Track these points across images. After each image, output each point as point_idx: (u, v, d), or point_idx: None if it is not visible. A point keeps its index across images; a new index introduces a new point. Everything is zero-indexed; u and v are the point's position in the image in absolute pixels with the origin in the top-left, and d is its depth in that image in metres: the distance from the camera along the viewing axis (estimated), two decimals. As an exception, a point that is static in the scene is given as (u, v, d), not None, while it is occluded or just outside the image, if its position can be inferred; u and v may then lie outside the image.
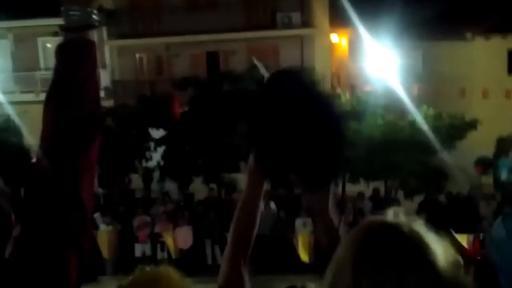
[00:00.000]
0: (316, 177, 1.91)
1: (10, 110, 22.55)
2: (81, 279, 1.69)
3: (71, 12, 1.69)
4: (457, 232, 14.78)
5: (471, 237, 12.14)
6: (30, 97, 23.89)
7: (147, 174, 20.40)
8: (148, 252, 16.56)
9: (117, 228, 16.58)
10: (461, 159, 18.32)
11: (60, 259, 1.58)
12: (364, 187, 18.37)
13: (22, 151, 20.57)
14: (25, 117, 20.63)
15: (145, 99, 21.13)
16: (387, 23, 20.37)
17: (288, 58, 24.99)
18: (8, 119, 22.60)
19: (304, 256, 15.57)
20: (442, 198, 17.17)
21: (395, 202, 17.25)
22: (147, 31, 26.75)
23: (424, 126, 17.68)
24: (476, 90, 20.78)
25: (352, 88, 22.14)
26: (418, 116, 18.04)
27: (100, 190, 17.93)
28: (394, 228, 1.33)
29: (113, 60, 27.74)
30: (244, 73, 20.28)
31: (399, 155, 17.44)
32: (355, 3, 20.21)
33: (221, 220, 15.58)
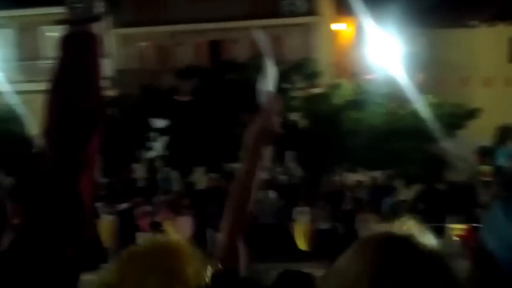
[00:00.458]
0: None
1: (14, 100, 22.56)
2: (82, 268, 1.71)
3: (75, 5, 1.71)
4: (455, 219, 14.87)
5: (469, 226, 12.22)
6: (33, 86, 23.89)
7: (149, 164, 20.44)
8: (149, 241, 16.58)
9: (118, 217, 16.66)
10: (461, 148, 18.30)
11: (59, 250, 1.60)
12: (363, 176, 18.37)
13: (25, 140, 20.58)
14: (28, 106, 20.64)
15: (148, 89, 21.13)
16: (390, 10, 20.32)
17: (291, 46, 24.94)
18: (11, 109, 22.59)
19: (301, 244, 15.66)
20: (441, 186, 17.18)
21: (394, 190, 17.29)
22: (151, 20, 26.70)
23: (425, 115, 17.68)
24: (478, 78, 20.76)
25: (355, 76, 22.11)
26: (419, 105, 18.03)
27: (102, 180, 17.98)
28: (409, 243, 1.27)
29: (117, 49, 27.70)
30: (247, 62, 20.27)
31: (399, 144, 17.43)
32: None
33: (222, 209, 15.59)
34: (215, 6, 25.73)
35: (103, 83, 1.75)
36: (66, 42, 1.69)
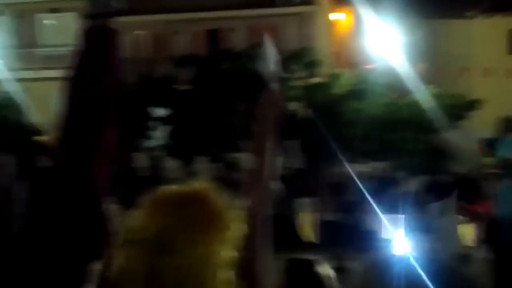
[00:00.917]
0: None
1: (10, 87, 22.48)
2: (92, 258, 1.76)
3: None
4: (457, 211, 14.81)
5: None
6: (30, 74, 23.76)
7: (150, 153, 20.37)
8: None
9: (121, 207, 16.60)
10: (463, 139, 18.26)
11: (66, 238, 1.64)
12: (364, 167, 18.31)
13: (23, 128, 20.53)
14: (25, 94, 20.56)
15: (145, 77, 21.02)
16: (389, 0, 20.22)
17: (288, 36, 24.84)
18: (8, 97, 22.54)
19: (306, 236, 15.60)
20: (443, 178, 17.12)
21: (395, 182, 17.24)
22: (146, 8, 26.55)
23: (425, 105, 17.61)
24: (477, 69, 20.69)
25: (354, 66, 22.03)
26: (420, 95, 17.95)
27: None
28: None
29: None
30: (244, 51, 20.18)
31: (399, 134, 17.38)
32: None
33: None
34: (212, -6, 25.62)
35: (121, 77, 1.80)
36: (87, 36, 1.74)
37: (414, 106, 18.03)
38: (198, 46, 25.50)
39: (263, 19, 26.40)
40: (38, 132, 19.53)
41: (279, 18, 26.25)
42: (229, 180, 18.15)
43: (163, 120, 19.90)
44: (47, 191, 1.66)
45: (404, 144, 17.29)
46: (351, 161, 18.64)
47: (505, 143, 19.37)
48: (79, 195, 1.65)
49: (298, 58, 20.23)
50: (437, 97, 18.18)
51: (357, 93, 18.35)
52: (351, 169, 18.77)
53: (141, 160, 20.47)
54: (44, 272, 1.59)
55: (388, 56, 19.99)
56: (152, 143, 20.31)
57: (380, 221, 15.33)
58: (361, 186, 17.43)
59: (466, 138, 18.43)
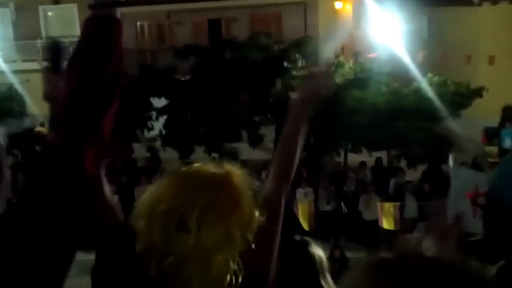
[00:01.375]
0: None
1: (12, 79, 22.51)
2: (82, 247, 1.74)
3: None
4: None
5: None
6: (31, 65, 23.74)
7: (149, 143, 20.37)
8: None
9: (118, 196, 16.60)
10: (467, 128, 18.17)
11: (55, 223, 1.61)
12: (366, 157, 18.28)
13: (24, 119, 20.56)
14: (26, 85, 20.57)
15: (146, 67, 20.99)
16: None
17: (291, 25, 24.76)
18: (10, 88, 22.58)
19: (304, 224, 15.65)
20: (446, 167, 17.09)
21: (398, 171, 17.21)
22: (148, -2, 26.43)
23: (429, 93, 17.54)
24: (482, 56, 20.54)
25: (356, 55, 21.94)
26: (423, 84, 17.89)
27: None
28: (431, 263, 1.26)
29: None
30: (246, 41, 20.12)
31: (403, 123, 17.31)
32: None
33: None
34: (214, -17, 25.47)
35: (123, 67, 1.81)
36: (90, 25, 1.76)
37: (417, 94, 17.96)
38: (200, 36, 25.42)
39: (266, 8, 26.31)
40: (40, 124, 19.58)
41: (282, 7, 26.16)
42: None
43: (164, 110, 19.87)
44: (38, 175, 1.66)
45: (407, 133, 17.22)
46: (353, 150, 18.62)
47: (508, 132, 19.39)
48: (69, 180, 1.64)
49: (300, 47, 20.16)
50: (440, 85, 18.11)
51: (359, 81, 18.28)
52: (351, 160, 18.77)
53: (139, 150, 20.52)
54: (28, 257, 1.57)
55: (391, 45, 19.91)
56: (152, 133, 20.31)
57: (380, 211, 15.35)
58: (361, 176, 17.44)
59: (470, 127, 18.36)
